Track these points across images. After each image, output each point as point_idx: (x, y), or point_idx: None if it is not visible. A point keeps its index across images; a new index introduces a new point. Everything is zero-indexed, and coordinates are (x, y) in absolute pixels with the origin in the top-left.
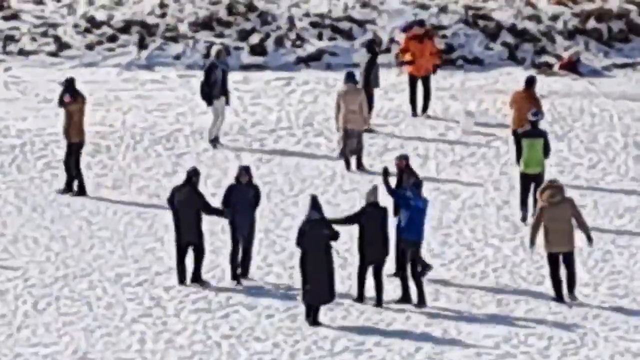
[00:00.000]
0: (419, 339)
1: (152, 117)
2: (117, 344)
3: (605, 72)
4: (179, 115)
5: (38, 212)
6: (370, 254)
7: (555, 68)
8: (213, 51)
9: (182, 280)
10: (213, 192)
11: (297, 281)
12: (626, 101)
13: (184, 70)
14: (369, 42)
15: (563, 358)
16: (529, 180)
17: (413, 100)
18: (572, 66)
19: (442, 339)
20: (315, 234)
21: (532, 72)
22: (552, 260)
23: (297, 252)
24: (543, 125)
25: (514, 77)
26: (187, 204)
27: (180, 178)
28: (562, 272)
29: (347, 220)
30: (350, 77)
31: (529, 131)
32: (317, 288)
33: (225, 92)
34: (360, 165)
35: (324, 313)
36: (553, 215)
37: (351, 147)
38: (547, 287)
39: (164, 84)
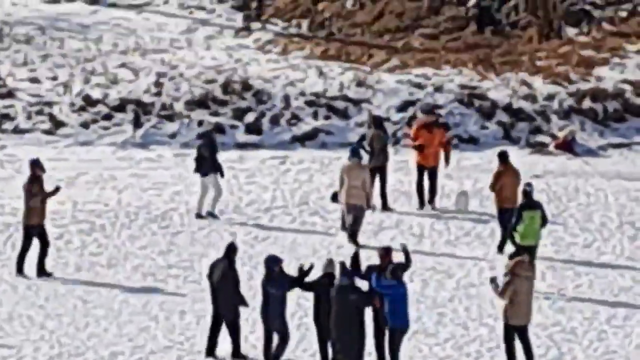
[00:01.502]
0: None
1: (147, 196)
2: None
3: (601, 152)
4: (174, 194)
5: (33, 291)
6: (325, 323)
7: (551, 147)
8: (206, 129)
9: (210, 354)
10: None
11: (292, 358)
12: (621, 181)
13: (179, 149)
14: (379, 119)
15: None
16: (526, 252)
17: (420, 192)
18: (568, 145)
19: None
20: (344, 300)
21: (527, 151)
22: (511, 332)
23: (293, 332)
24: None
25: (510, 157)
26: (223, 278)
27: (174, 256)
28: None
29: (303, 286)
30: (355, 153)
31: (527, 203)
32: (345, 353)
33: (217, 167)
34: (354, 243)
35: None
36: (523, 288)
37: (350, 222)
38: None
39: (159, 163)
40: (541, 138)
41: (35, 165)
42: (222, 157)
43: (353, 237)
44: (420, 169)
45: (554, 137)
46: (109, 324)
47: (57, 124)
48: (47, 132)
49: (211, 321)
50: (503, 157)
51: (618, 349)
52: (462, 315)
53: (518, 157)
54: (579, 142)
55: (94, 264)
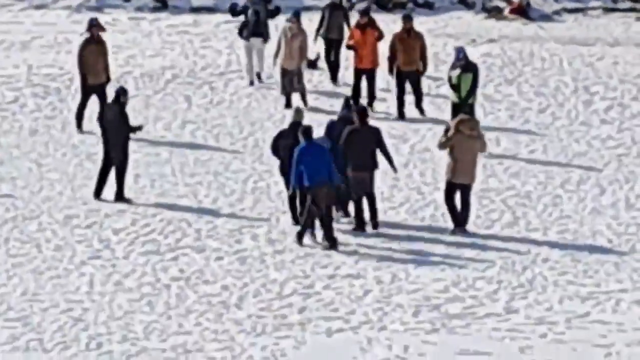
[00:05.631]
0: (367, 283)
1: None
2: (66, 285)
3: (556, 17)
4: (129, 58)
5: None
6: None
7: (506, 12)
8: None
9: (98, 194)
10: (162, 134)
11: (245, 223)
12: (576, 46)
13: (134, 13)
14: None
15: (511, 302)
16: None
17: (355, 96)
18: (523, 10)
19: (390, 283)
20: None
21: (482, 16)
22: (453, 190)
23: (247, 195)
24: (494, 69)
25: (465, 22)
26: (115, 122)
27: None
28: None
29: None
30: (295, 14)
31: (462, 66)
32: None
33: (260, 32)
34: (305, 103)
35: (272, 255)
36: (467, 146)
37: (291, 85)
38: (496, 231)
39: (114, 27)
40: (496, 3)
41: (94, 25)
42: (177, 21)
43: (291, 98)
44: (357, 72)
45: (509, 1)
46: (64, 187)
47: None
48: None
49: (102, 163)
50: (405, 18)
51: (572, 214)
52: (417, 179)
53: (473, 21)
54: (534, 7)
55: (49, 128)
